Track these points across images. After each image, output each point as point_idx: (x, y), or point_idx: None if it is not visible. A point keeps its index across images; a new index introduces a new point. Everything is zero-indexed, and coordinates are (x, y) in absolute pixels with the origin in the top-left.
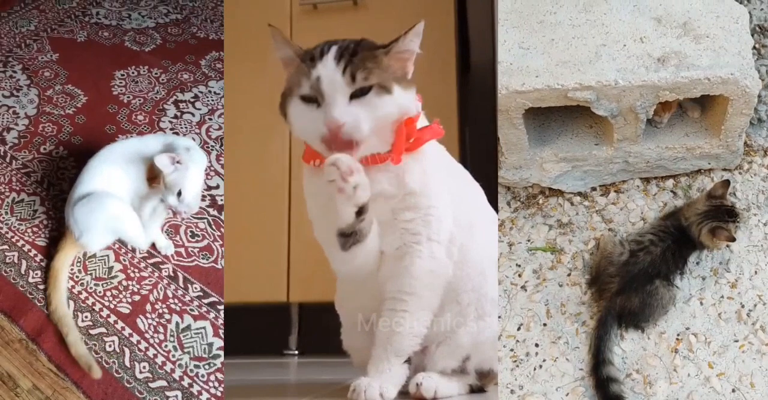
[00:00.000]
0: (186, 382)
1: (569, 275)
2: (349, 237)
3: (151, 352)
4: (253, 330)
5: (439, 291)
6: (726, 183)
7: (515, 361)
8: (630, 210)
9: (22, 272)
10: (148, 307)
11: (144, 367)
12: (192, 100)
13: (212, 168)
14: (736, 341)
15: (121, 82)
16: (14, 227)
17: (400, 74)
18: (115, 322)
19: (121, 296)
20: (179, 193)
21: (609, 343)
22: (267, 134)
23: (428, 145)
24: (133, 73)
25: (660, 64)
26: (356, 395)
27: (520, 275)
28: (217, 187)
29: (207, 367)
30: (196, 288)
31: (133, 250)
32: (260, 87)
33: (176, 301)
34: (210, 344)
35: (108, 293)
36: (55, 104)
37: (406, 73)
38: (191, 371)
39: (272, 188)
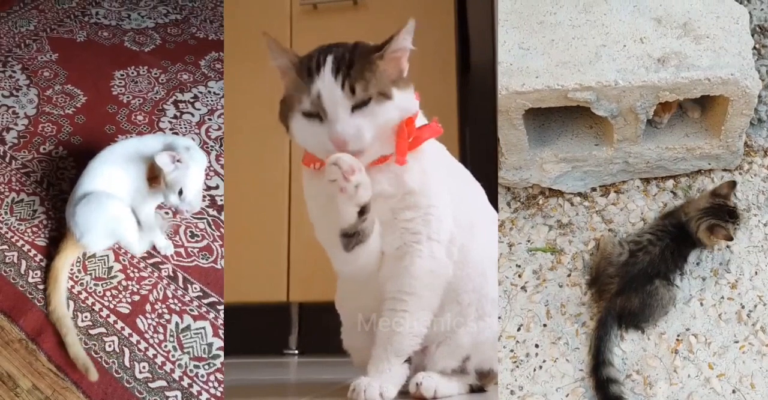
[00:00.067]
0: (186, 382)
1: (569, 275)
2: (351, 238)
3: (150, 352)
4: (253, 330)
5: (439, 291)
6: (732, 184)
7: (515, 361)
8: (630, 211)
9: (22, 272)
10: (148, 307)
11: (144, 367)
12: (191, 100)
13: (212, 168)
14: (737, 341)
15: (120, 83)
16: (14, 227)
17: (396, 75)
18: (115, 322)
19: (120, 296)
20: (180, 192)
21: (609, 344)
22: (267, 134)
23: (428, 145)
24: (132, 73)
25: (660, 65)
26: (356, 395)
27: (520, 276)
28: (217, 187)
29: (207, 367)
30: (195, 288)
31: None
32: (260, 87)
33: (176, 301)
34: (210, 344)
35: (108, 293)
36: (55, 104)
37: (402, 71)
38: (191, 371)
39: (272, 188)
